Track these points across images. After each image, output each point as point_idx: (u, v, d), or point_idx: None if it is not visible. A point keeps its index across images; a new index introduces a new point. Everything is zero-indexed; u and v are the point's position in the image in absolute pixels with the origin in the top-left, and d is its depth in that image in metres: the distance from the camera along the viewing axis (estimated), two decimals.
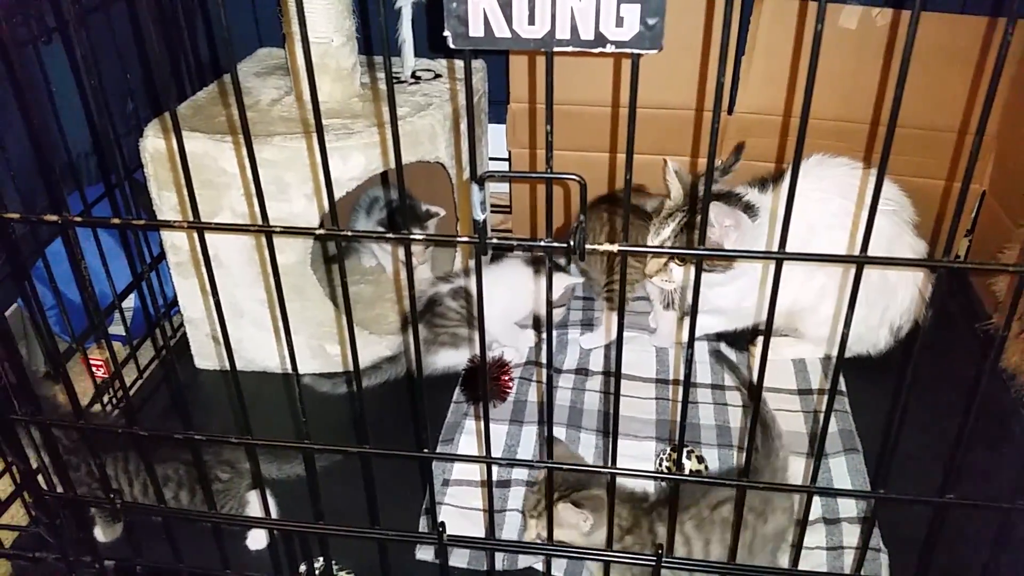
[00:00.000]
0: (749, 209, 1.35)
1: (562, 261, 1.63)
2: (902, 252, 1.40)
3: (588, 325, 1.63)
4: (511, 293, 1.55)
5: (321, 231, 0.77)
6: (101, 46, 1.56)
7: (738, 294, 1.40)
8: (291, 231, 0.77)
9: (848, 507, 1.22)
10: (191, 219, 0.77)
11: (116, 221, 0.83)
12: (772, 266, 1.35)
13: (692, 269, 1.33)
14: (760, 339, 1.40)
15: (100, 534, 1.20)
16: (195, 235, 0.79)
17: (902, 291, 1.45)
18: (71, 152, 1.53)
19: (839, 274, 1.39)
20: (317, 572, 1.08)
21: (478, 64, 1.69)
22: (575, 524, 1.01)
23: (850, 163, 1.42)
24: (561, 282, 1.55)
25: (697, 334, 1.52)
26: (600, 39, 0.60)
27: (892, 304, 1.45)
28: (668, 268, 1.38)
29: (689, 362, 0.77)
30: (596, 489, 1.02)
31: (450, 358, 1.51)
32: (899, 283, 1.44)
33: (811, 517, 1.19)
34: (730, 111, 1.72)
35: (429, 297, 1.52)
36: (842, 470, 1.29)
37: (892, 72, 1.56)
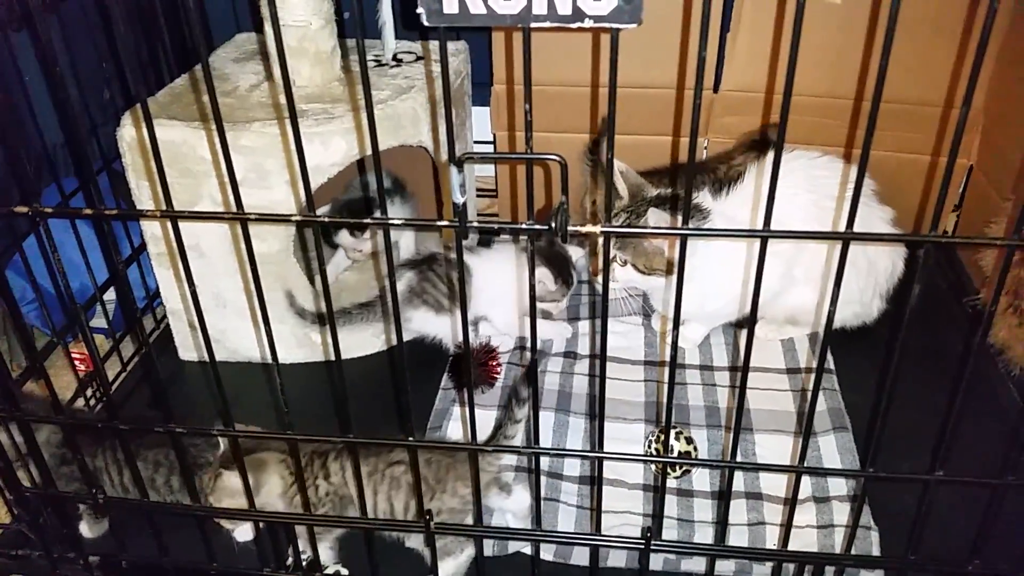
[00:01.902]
0: (699, 212, 1.35)
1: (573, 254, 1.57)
2: (875, 224, 1.40)
3: (575, 313, 1.62)
4: (518, 281, 1.51)
5: (298, 217, 0.75)
6: (76, 34, 1.53)
7: (698, 298, 1.37)
8: (266, 218, 0.76)
9: (838, 485, 1.22)
10: (164, 208, 0.76)
11: (88, 212, 0.81)
12: (729, 268, 1.34)
13: (632, 270, 1.35)
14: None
15: (86, 530, 1.18)
16: (169, 224, 0.77)
17: (883, 259, 1.44)
18: (47, 143, 1.51)
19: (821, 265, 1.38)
20: (304, 563, 1.07)
21: (460, 45, 1.66)
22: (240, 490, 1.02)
23: (807, 154, 1.41)
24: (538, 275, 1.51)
25: (698, 340, 1.52)
26: (578, 14, 0.59)
27: (879, 276, 1.44)
28: (609, 267, 1.35)
29: (675, 344, 0.76)
30: (261, 452, 1.05)
31: (426, 322, 1.48)
32: (878, 252, 1.43)
33: (801, 496, 1.19)
34: (715, 89, 1.71)
35: (432, 253, 1.50)
36: (831, 448, 1.28)
37: (877, 46, 1.54)
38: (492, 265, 1.50)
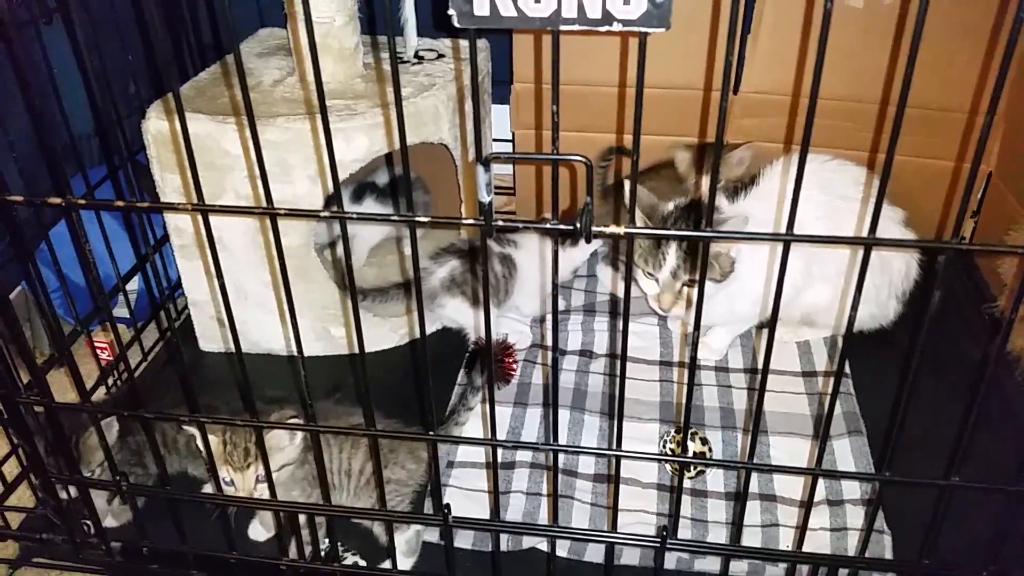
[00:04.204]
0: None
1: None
2: (888, 227, 1.40)
3: (591, 311, 1.62)
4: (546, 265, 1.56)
5: (325, 213, 0.77)
6: (103, 26, 1.54)
7: (728, 300, 1.37)
8: (295, 213, 0.77)
9: (852, 489, 1.23)
10: (195, 201, 0.77)
11: (120, 204, 0.83)
12: (758, 270, 1.33)
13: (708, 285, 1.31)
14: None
15: (110, 520, 1.20)
16: (199, 218, 0.78)
17: (896, 259, 1.44)
18: (73, 134, 1.53)
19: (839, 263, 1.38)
20: (323, 553, 1.09)
21: (482, 44, 1.67)
22: (283, 446, 1.05)
23: (818, 157, 1.41)
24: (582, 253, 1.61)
25: (723, 349, 1.51)
26: (607, 17, 0.59)
27: (893, 276, 1.45)
28: (682, 294, 1.32)
29: (695, 345, 0.77)
30: (285, 408, 1.10)
31: (459, 312, 1.51)
32: (892, 253, 1.43)
33: (815, 499, 1.20)
34: (735, 91, 1.71)
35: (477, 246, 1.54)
36: (846, 452, 1.29)
37: (898, 51, 1.54)
38: (530, 256, 1.56)
